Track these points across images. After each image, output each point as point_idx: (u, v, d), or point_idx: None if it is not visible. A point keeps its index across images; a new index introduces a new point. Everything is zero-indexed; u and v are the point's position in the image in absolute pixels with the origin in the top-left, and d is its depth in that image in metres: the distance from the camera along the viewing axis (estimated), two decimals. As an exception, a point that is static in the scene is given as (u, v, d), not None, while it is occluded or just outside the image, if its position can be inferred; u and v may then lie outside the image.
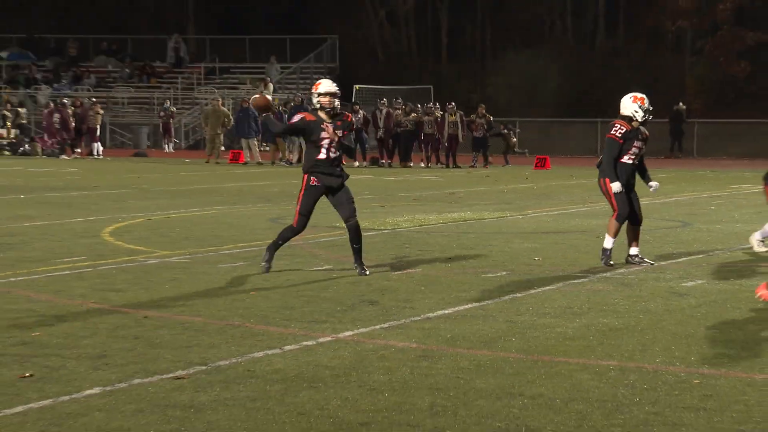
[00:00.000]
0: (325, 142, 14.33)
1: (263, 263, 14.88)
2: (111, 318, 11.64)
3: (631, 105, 15.49)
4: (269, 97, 15.76)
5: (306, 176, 14.57)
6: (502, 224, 21.88)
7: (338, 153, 14.52)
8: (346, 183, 14.60)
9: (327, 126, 14.31)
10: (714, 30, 60.05)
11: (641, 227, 15.80)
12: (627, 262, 15.61)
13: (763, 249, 16.47)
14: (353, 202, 14.63)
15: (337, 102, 14.53)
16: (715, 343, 10.54)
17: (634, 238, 15.68)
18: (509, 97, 56.39)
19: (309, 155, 14.62)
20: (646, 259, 15.63)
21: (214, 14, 71.95)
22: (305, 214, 14.59)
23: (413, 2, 67.55)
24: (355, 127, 16.00)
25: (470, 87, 60.97)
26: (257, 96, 15.90)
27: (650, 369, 9.53)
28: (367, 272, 14.59)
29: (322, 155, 14.37)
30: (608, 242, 15.49)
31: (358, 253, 14.61)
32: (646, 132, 15.72)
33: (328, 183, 14.42)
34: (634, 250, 15.67)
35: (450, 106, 45.69)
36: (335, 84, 14.74)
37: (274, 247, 14.92)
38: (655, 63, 59.98)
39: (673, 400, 8.53)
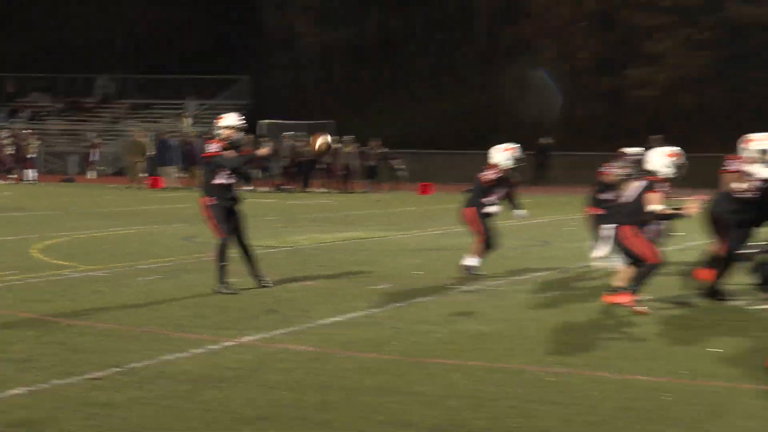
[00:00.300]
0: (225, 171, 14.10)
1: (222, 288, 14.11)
2: (38, 326, 11.44)
3: (503, 155, 15.71)
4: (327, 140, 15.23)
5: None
6: (390, 242, 21.90)
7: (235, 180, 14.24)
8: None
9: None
10: (575, 76, 60.75)
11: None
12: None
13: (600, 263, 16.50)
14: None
15: (239, 134, 14.28)
16: (568, 346, 10.66)
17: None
18: (397, 131, 56.52)
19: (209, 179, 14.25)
20: None
21: (138, 54, 71.34)
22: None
23: (317, 50, 67.49)
24: (258, 157, 15.52)
25: (365, 122, 61.06)
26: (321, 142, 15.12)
27: (513, 369, 9.61)
28: (271, 284, 14.44)
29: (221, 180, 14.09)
30: (473, 261, 15.52)
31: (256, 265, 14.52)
32: (515, 179, 16.06)
33: (224, 204, 14.08)
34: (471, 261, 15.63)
35: (347, 138, 45.79)
36: (239, 118, 14.43)
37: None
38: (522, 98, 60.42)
39: (531, 395, 8.61)
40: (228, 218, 14.08)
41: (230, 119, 14.34)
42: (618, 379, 9.20)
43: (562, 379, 9.23)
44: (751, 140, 13.12)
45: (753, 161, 12.96)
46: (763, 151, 12.90)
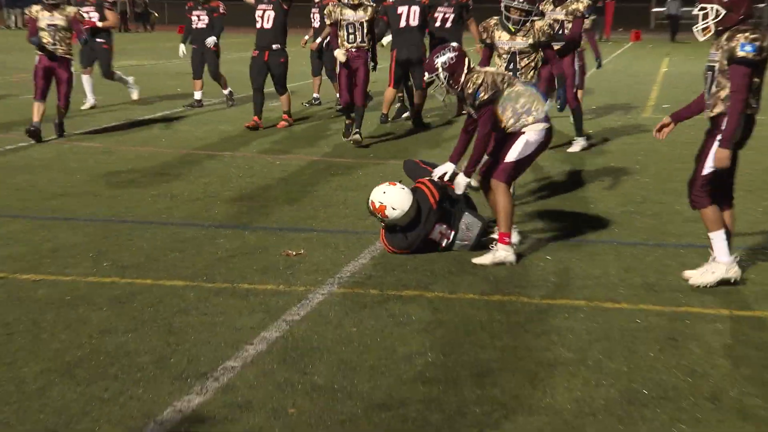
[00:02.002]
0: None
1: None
2: None
3: None
4: None
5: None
6: (156, 67, 20.93)
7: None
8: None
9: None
10: None
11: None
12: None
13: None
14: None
15: None
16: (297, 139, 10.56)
17: None
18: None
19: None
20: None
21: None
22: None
23: None
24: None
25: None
26: None
27: (250, 156, 9.50)
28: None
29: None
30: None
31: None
32: None
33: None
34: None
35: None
36: None
37: None
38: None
39: (264, 174, 8.54)
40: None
41: None
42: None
43: (284, 162, 9.21)
44: None
45: None
46: None
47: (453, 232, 5.95)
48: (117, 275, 5.36)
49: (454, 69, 5.80)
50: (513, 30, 6.59)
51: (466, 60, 5.85)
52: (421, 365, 4.15)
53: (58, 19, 10.10)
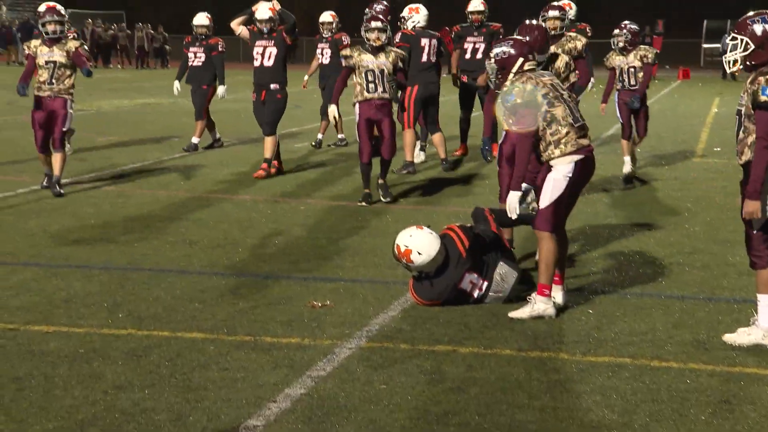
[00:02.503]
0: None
1: None
2: None
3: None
4: None
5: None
6: (175, 106, 21.27)
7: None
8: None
9: None
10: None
11: None
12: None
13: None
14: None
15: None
16: (303, 181, 10.68)
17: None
18: (179, 17, 54.53)
19: None
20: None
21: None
22: None
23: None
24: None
25: (154, 9, 58.57)
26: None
27: (275, 201, 9.61)
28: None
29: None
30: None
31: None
32: None
33: None
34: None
35: (139, 25, 44.04)
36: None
37: None
38: None
39: (292, 221, 8.64)
40: None
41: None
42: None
43: (309, 207, 9.31)
44: None
45: None
46: None
47: (486, 283, 5.96)
48: (133, 327, 5.43)
49: (503, 64, 5.90)
50: None
51: (522, 61, 5.91)
52: (455, 426, 4.17)
53: (59, 55, 9.62)
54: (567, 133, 5.70)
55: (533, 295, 5.77)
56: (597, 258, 7.29)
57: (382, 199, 9.32)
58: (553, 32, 8.25)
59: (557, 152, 5.68)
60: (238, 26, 10.89)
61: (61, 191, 9.50)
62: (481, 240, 6.06)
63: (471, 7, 12.14)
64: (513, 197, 5.81)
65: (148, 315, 5.65)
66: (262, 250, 7.39)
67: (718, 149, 13.60)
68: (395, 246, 5.98)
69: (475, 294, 5.96)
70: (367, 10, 11.01)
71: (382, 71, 9.14)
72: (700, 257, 7.33)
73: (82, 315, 5.63)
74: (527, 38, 6.39)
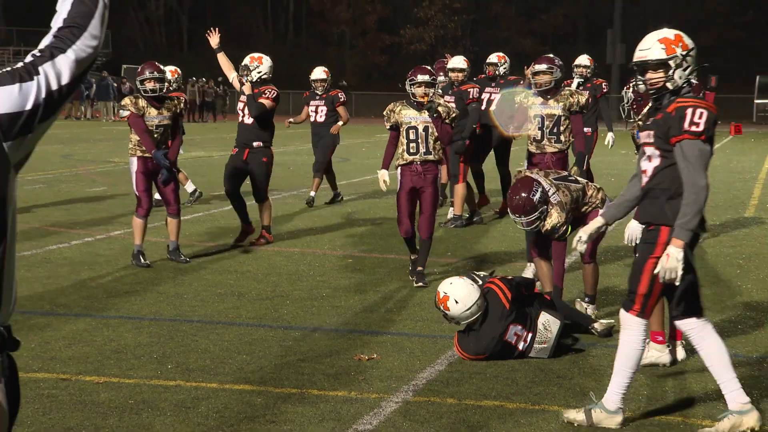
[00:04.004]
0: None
1: None
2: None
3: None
4: None
5: None
6: (223, 159, 21.53)
7: None
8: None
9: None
10: (364, 33, 60.79)
11: None
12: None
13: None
14: None
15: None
16: (356, 236, 10.77)
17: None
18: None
19: None
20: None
21: (22, 6, 66.78)
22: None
23: (163, 9, 65.15)
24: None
25: (205, 66, 59.88)
26: None
27: (319, 253, 9.70)
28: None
29: None
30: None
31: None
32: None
33: None
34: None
35: (191, 79, 44.79)
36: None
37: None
38: (326, 53, 60.22)
39: (335, 271, 8.71)
40: None
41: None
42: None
43: (357, 260, 9.37)
44: None
45: None
46: None
47: (530, 334, 5.96)
48: (182, 378, 5.51)
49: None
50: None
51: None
52: (501, 483, 4.15)
53: (167, 117, 8.90)
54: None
55: (648, 341, 5.66)
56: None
57: (414, 284, 8.10)
58: (545, 87, 8.34)
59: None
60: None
61: (187, 258, 9.02)
62: (522, 291, 6.09)
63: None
64: (584, 235, 5.36)
65: (196, 366, 5.73)
66: (310, 302, 7.45)
67: (771, 205, 13.45)
68: (436, 292, 6.06)
69: (521, 346, 5.96)
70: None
71: (426, 129, 8.09)
72: (753, 315, 7.24)
73: (133, 366, 5.72)
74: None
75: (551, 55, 8.71)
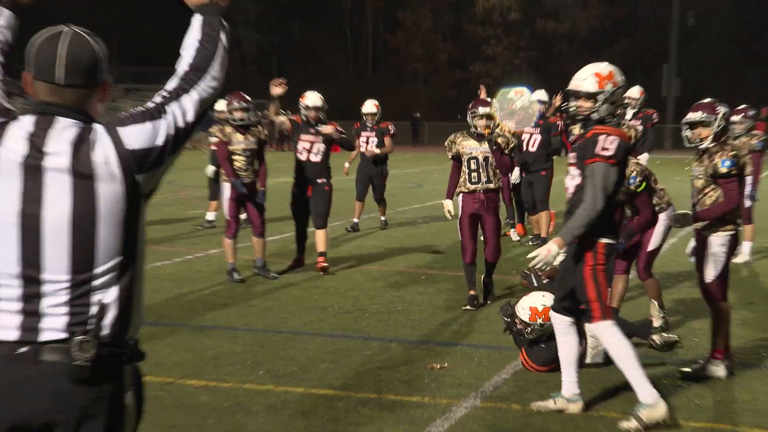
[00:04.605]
0: None
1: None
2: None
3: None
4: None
5: None
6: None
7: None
8: None
9: None
10: (436, 69, 60.92)
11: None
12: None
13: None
14: None
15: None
16: (431, 255, 10.79)
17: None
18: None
19: None
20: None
21: (134, 49, 68.38)
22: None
23: (255, 48, 66.16)
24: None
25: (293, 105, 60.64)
26: None
27: (394, 271, 9.73)
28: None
29: None
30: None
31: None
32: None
33: None
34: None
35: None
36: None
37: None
38: (401, 88, 60.32)
39: (410, 288, 8.72)
40: None
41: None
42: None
43: (430, 277, 9.39)
44: None
45: None
46: None
47: (585, 341, 5.91)
48: (272, 383, 5.60)
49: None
50: None
51: None
52: (562, 483, 4.14)
53: (252, 142, 8.98)
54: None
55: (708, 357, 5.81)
56: (699, 329, 7.12)
57: (481, 300, 7.97)
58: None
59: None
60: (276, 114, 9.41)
61: (277, 274, 9.15)
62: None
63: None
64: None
65: (284, 373, 5.82)
66: (387, 315, 7.51)
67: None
68: (528, 309, 5.99)
69: (586, 359, 5.92)
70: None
71: (486, 159, 7.88)
72: (800, 329, 7.07)
73: (228, 371, 5.84)
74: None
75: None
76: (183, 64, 2.52)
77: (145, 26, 56.95)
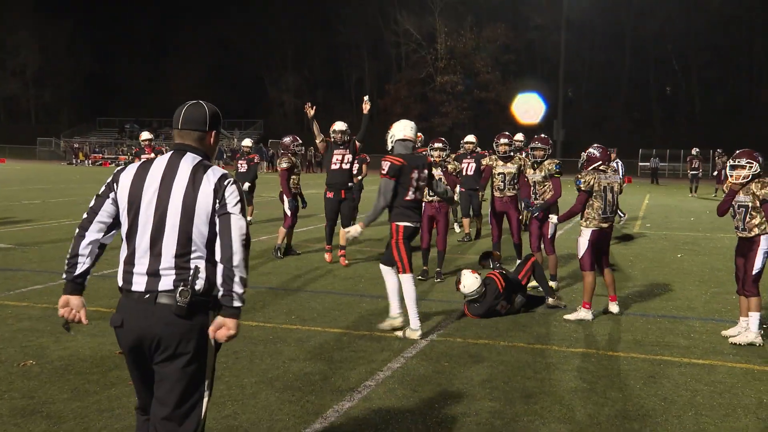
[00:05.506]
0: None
1: None
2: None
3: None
4: None
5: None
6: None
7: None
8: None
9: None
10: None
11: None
12: None
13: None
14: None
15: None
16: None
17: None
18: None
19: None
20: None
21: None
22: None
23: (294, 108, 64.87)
24: None
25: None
26: None
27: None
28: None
29: None
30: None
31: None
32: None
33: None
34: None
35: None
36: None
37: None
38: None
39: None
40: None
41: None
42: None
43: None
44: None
45: None
46: None
47: (510, 306, 5.96)
48: (300, 324, 5.53)
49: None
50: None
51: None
52: (488, 389, 4.14)
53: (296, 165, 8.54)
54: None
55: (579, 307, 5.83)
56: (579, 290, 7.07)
57: (435, 280, 7.43)
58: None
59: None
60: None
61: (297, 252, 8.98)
62: (511, 281, 6.06)
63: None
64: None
65: (309, 318, 5.71)
66: (375, 281, 7.29)
67: None
68: (470, 279, 5.91)
69: (503, 312, 5.94)
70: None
71: (504, 175, 7.65)
72: (638, 287, 7.07)
73: (271, 316, 5.70)
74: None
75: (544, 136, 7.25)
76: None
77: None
